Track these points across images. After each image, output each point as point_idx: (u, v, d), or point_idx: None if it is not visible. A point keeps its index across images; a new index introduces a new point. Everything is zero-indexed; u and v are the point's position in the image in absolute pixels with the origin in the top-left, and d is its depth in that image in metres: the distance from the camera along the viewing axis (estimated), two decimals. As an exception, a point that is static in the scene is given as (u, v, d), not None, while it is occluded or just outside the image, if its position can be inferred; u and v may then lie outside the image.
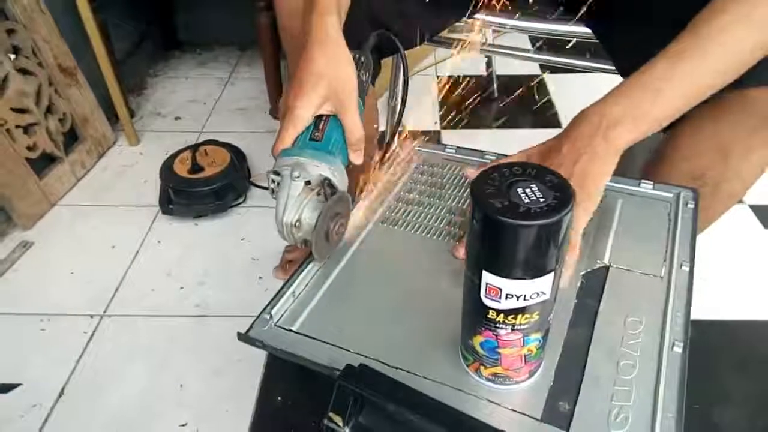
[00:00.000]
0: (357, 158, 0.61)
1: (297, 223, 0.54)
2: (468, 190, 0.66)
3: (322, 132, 0.58)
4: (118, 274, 1.11)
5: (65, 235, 1.21)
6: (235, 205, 1.28)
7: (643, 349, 0.47)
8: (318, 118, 0.59)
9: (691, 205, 0.62)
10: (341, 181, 0.56)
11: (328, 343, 0.49)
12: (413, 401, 0.42)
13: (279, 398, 0.89)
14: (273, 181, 0.55)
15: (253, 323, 0.50)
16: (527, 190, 0.37)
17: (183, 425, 0.85)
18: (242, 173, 1.30)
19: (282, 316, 0.52)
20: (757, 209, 1.21)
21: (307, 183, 0.54)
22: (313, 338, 0.49)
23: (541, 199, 0.36)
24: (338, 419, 0.43)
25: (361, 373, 0.44)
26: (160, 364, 0.94)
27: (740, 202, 1.23)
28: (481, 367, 0.45)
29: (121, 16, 1.65)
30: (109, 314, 1.03)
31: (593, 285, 0.53)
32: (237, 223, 1.24)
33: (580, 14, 0.87)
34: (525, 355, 0.43)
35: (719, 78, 0.56)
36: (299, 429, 0.85)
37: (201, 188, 1.22)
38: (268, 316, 0.51)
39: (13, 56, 1.20)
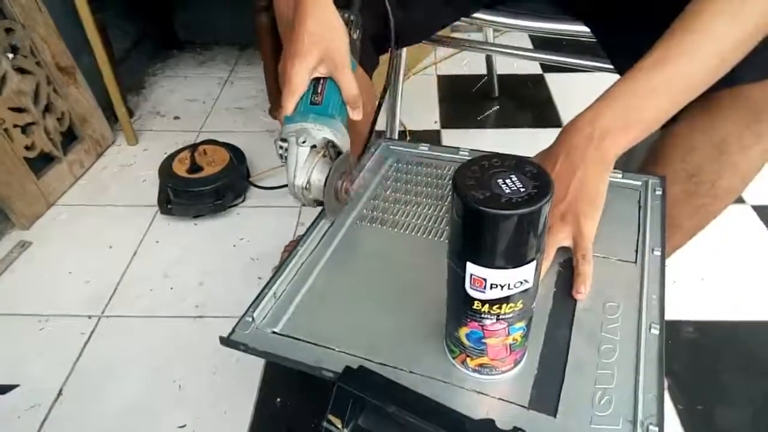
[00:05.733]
0: (356, 115, 0.64)
1: (307, 186, 0.57)
2: (445, 187, 0.67)
3: (321, 95, 0.60)
4: (117, 275, 1.11)
5: (63, 235, 1.21)
6: (235, 205, 1.27)
7: (622, 333, 0.48)
8: (316, 82, 0.61)
9: (659, 192, 0.63)
10: (343, 141, 0.60)
11: (312, 342, 0.49)
12: (413, 403, 0.42)
13: (278, 400, 0.88)
14: (281, 148, 0.59)
15: (235, 327, 0.50)
16: (507, 181, 0.38)
17: (181, 426, 0.85)
18: (241, 173, 1.29)
19: (264, 317, 0.52)
20: (759, 209, 1.21)
21: (313, 147, 0.57)
22: (297, 338, 0.49)
23: (522, 189, 0.37)
24: (337, 421, 0.43)
25: (360, 374, 0.44)
26: (159, 365, 0.94)
27: (742, 202, 1.22)
28: (468, 359, 0.45)
29: (120, 16, 1.64)
30: (108, 315, 1.03)
31: (571, 273, 0.54)
32: (236, 223, 1.23)
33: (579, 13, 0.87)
34: (510, 345, 0.44)
35: (705, 78, 0.57)
36: (298, 431, 0.84)
37: (200, 188, 1.22)
38: (249, 319, 0.51)
39: (11, 55, 1.19)
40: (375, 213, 0.64)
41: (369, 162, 0.72)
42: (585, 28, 0.87)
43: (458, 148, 0.73)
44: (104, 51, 1.34)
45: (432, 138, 1.48)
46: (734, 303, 1.01)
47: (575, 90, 1.64)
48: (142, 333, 0.99)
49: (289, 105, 0.59)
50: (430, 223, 0.62)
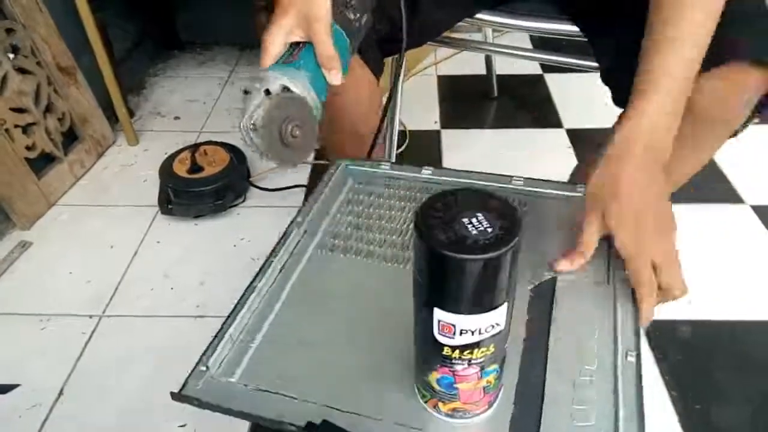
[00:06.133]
0: (333, 78, 0.61)
1: (252, 126, 0.55)
2: (409, 209, 0.64)
3: (295, 57, 0.60)
4: (117, 275, 1.11)
5: (64, 235, 1.21)
6: (235, 205, 1.27)
7: (599, 362, 0.46)
8: (294, 46, 0.60)
9: None
10: (304, 91, 0.57)
11: (273, 392, 0.45)
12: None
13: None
14: (243, 100, 0.57)
15: (187, 379, 0.46)
16: (473, 220, 0.35)
17: (182, 426, 0.85)
18: (242, 173, 1.29)
19: (220, 365, 0.48)
20: (758, 209, 1.21)
21: (267, 92, 0.56)
22: (257, 389, 0.45)
23: (489, 229, 0.35)
24: None
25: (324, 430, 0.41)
26: (159, 365, 0.94)
27: (741, 202, 1.22)
28: (440, 403, 0.43)
29: (121, 16, 1.64)
30: (108, 314, 1.03)
31: (543, 298, 0.53)
32: (236, 223, 1.24)
33: (573, 13, 0.87)
34: (484, 387, 0.42)
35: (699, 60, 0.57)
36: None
37: (200, 188, 1.22)
38: (204, 368, 0.46)
39: (12, 55, 1.19)
40: (336, 241, 0.61)
41: (327, 185, 0.68)
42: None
43: (421, 167, 0.69)
44: (105, 51, 1.34)
45: (432, 138, 1.49)
46: (732, 303, 1.01)
47: (574, 90, 1.64)
48: (143, 333, 0.99)
49: (264, 65, 0.59)
50: (395, 250, 0.59)
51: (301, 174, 1.35)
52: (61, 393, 0.90)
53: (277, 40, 0.59)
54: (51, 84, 1.29)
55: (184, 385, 0.46)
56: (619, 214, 0.54)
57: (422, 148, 1.44)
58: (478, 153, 1.45)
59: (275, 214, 1.25)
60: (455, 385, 0.41)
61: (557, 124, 1.53)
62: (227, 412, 0.44)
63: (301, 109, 0.58)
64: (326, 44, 0.60)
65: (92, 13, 1.28)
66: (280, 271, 0.57)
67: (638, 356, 0.46)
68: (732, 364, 0.92)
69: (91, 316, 1.02)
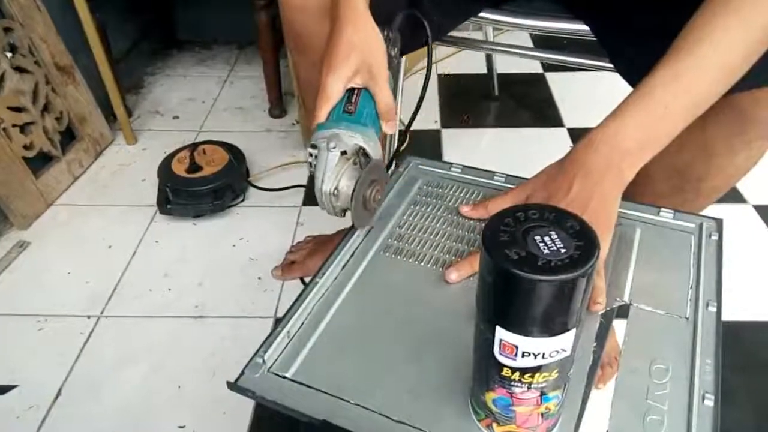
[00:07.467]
0: (390, 128, 0.62)
1: (335, 192, 0.56)
2: (479, 218, 0.62)
3: (355, 105, 0.59)
4: (116, 275, 1.10)
5: (62, 235, 1.21)
6: (234, 205, 1.27)
7: (671, 402, 0.43)
8: (351, 92, 0.60)
9: (714, 237, 0.58)
10: (375, 150, 0.58)
11: (326, 393, 0.45)
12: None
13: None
14: (311, 155, 0.57)
15: (244, 369, 0.46)
16: (545, 239, 0.33)
17: (181, 427, 0.84)
18: (241, 173, 1.29)
19: (276, 360, 0.48)
20: (761, 209, 1.21)
21: (343, 153, 0.56)
22: (311, 388, 0.45)
23: (562, 249, 0.33)
24: None
25: None
26: (158, 365, 0.93)
27: (744, 201, 1.22)
28: (494, 424, 0.41)
29: (119, 15, 1.64)
30: (107, 315, 1.02)
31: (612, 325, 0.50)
32: (235, 223, 1.23)
33: (579, 12, 0.86)
34: (542, 413, 0.40)
35: (717, 91, 0.55)
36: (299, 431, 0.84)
37: (199, 188, 1.21)
38: (260, 360, 0.46)
39: (9, 54, 1.19)
40: (400, 243, 0.59)
41: (396, 184, 0.67)
42: (586, 27, 0.87)
43: (494, 172, 0.68)
44: (103, 50, 1.34)
45: (432, 137, 1.48)
46: (735, 303, 1.01)
47: (576, 89, 1.64)
48: (142, 333, 0.99)
49: (322, 113, 0.58)
50: (461, 259, 0.57)
51: (301, 174, 1.35)
52: (59, 394, 0.89)
53: (338, 87, 0.59)
54: (49, 83, 1.28)
55: (240, 376, 0.46)
56: (544, 198, 0.54)
57: (422, 148, 1.43)
58: (478, 152, 1.45)
59: (274, 214, 1.25)
60: (512, 408, 0.39)
61: (558, 123, 1.53)
62: (280, 407, 0.44)
63: (381, 173, 0.59)
64: (388, 95, 0.60)
65: (90, 12, 1.28)
66: (341, 270, 0.56)
67: (716, 401, 0.43)
68: (733, 365, 0.91)
69: (89, 317, 1.02)
